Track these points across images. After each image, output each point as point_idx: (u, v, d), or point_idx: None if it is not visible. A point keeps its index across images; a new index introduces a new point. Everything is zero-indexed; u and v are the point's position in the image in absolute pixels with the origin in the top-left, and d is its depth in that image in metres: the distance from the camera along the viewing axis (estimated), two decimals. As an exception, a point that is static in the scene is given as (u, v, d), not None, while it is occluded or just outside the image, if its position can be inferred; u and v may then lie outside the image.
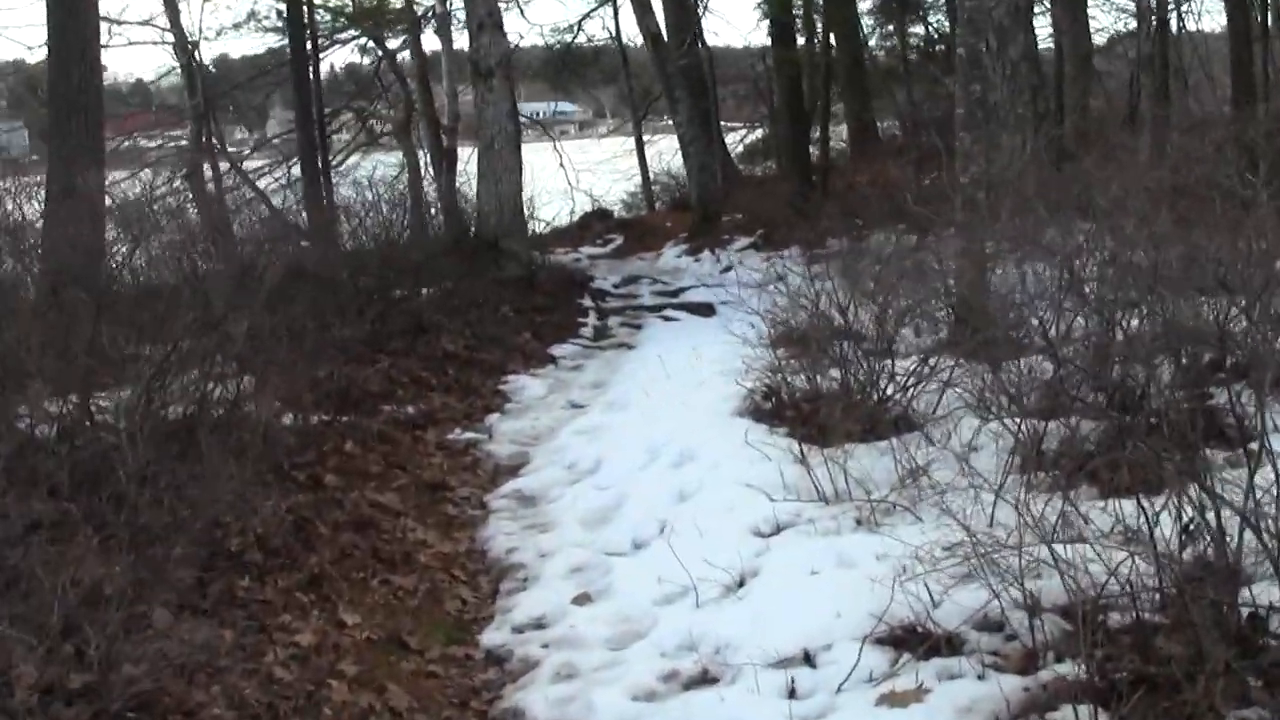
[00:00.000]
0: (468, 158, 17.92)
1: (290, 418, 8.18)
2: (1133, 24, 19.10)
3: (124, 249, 10.99)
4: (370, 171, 18.18)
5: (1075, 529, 5.22)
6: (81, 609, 4.80)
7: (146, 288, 9.83)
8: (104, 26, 16.76)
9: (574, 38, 27.89)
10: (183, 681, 4.62)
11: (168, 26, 20.19)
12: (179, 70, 20.58)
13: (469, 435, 9.06)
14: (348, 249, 13.43)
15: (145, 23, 20.95)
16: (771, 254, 17.36)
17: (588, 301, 14.99)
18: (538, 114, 30.07)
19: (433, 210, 17.68)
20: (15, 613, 4.62)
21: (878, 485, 6.66)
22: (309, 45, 17.75)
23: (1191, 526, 4.65)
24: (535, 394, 10.38)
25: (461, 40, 18.98)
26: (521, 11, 28.84)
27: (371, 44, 22.79)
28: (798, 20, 21.69)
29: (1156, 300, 7.11)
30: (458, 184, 18.62)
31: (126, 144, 21.13)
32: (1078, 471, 6.05)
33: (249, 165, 22.61)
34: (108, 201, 12.72)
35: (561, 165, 25.88)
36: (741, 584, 5.87)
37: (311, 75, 17.63)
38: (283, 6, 18.34)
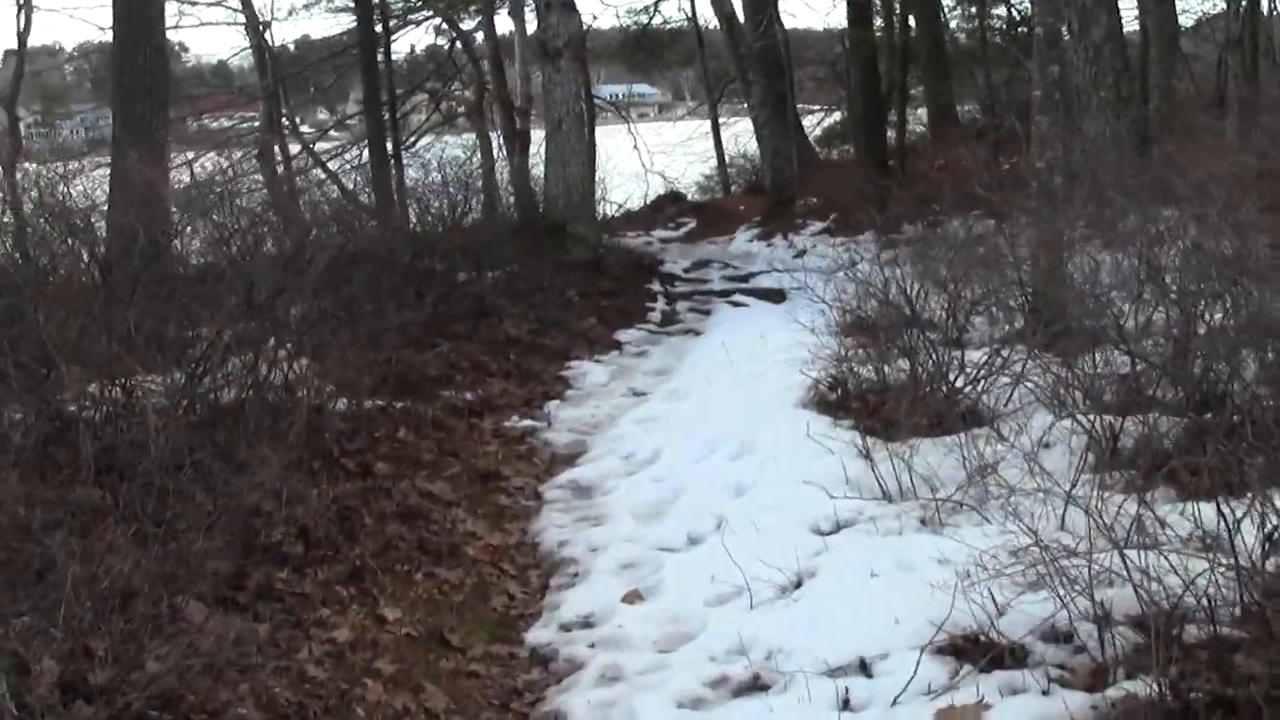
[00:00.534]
0: (540, 140, 17.71)
1: (343, 403, 8.02)
2: (1221, 4, 18.53)
3: (185, 229, 11.00)
4: (440, 153, 18.05)
5: (1150, 535, 4.91)
6: (109, 602, 4.66)
7: (204, 269, 9.76)
8: (175, 7, 16.83)
9: (650, 19, 27.71)
10: (209, 679, 4.44)
11: (239, 7, 20.19)
12: (250, 50, 20.52)
13: (527, 423, 8.85)
14: (414, 230, 13.31)
15: (216, 3, 20.96)
16: (845, 239, 16.99)
17: (656, 286, 14.75)
18: (616, 96, 29.81)
19: (504, 192, 17.53)
20: (40, 605, 4.47)
21: (944, 483, 6.39)
22: (379, 27, 17.66)
23: (1276, 535, 4.36)
24: (597, 381, 10.16)
25: (534, 23, 18.81)
26: (595, -9, 28.68)
27: (445, 25, 22.68)
28: (876, 1, 21.32)
29: (1241, 292, 6.79)
30: (529, 167, 18.41)
31: (195, 125, 21.22)
32: (1155, 473, 5.73)
33: (325, 146, 22.59)
34: (173, 183, 12.74)
35: (636, 147, 25.63)
36: (798, 585, 5.62)
37: (382, 56, 17.55)
38: (352, -13, 18.25)
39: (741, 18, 21.75)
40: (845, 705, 4.56)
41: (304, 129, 24.04)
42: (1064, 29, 10.11)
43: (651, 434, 8.32)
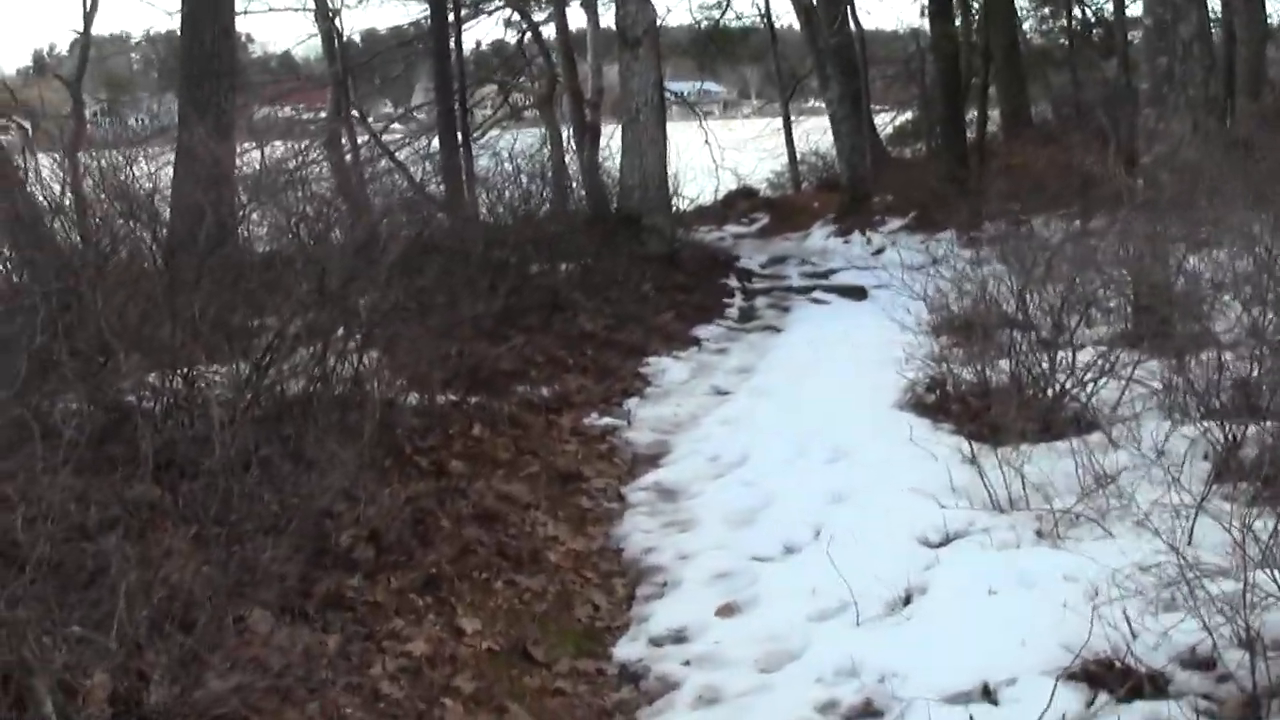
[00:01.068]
0: (611, 134, 17.43)
1: (415, 397, 7.65)
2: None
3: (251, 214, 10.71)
4: (511, 144, 17.71)
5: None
6: (167, 611, 4.30)
7: (271, 255, 9.45)
8: (245, -7, 16.60)
9: (722, 13, 27.40)
10: (276, 698, 4.07)
11: (310, -8, 19.88)
12: (319, 38, 20.20)
13: (606, 420, 8.45)
14: (487, 221, 12.97)
15: (286, -13, 20.64)
16: (926, 236, 16.56)
17: (733, 281, 14.31)
18: (684, 94, 29.44)
19: (573, 185, 17.14)
20: (92, 614, 4.10)
21: (1058, 492, 5.96)
22: (450, 16, 17.35)
23: None
24: (677, 378, 9.74)
25: (607, 16, 18.52)
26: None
27: (516, 17, 22.36)
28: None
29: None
30: (601, 160, 18.06)
31: (264, 113, 20.96)
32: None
33: (391, 138, 22.31)
34: (240, 168, 12.44)
35: (706, 142, 25.25)
36: (908, 601, 5.19)
37: (453, 47, 17.24)
38: (423, -23, 17.96)
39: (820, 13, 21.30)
40: (972, 737, 4.14)
41: (370, 120, 23.75)
42: (1169, 17, 9.56)
43: (738, 434, 7.90)
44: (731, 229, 20.37)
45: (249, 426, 6.10)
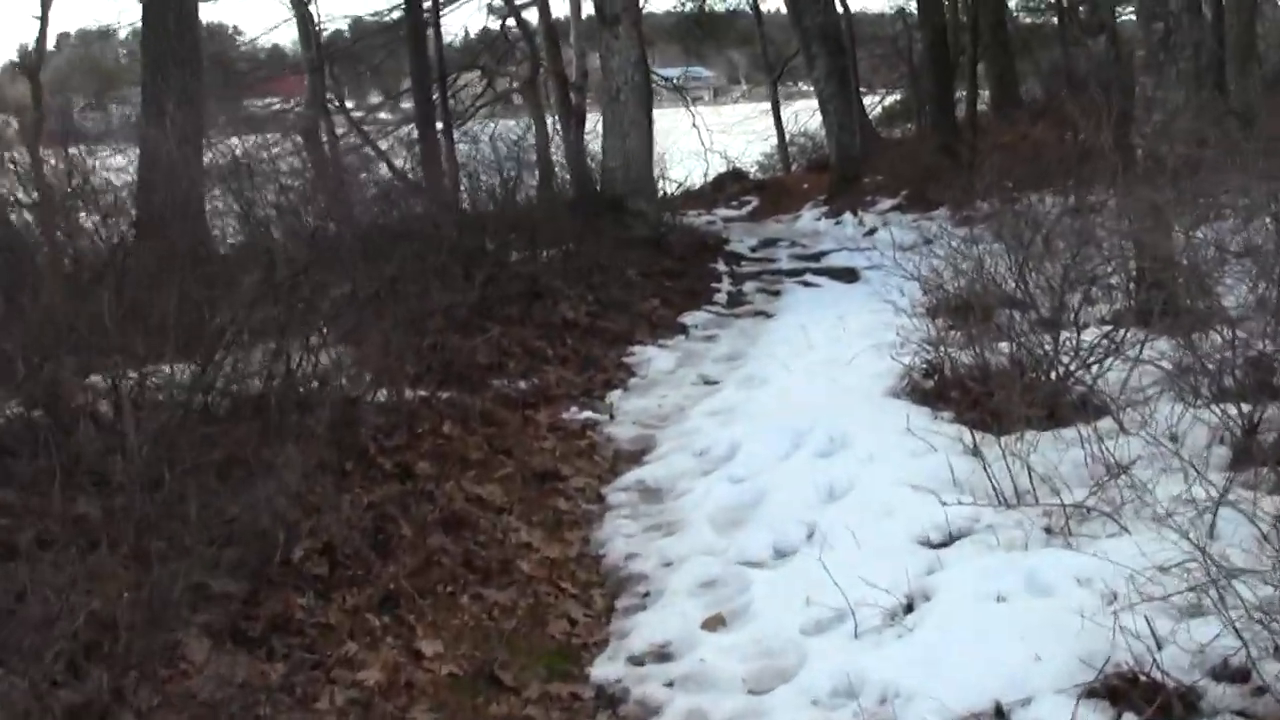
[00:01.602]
0: (597, 118, 17.02)
1: (383, 393, 7.19)
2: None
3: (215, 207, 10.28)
4: (492, 129, 17.28)
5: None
6: (97, 639, 3.86)
7: (239, 248, 9.02)
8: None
9: (706, -4, 27.16)
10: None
11: (282, -25, 19.45)
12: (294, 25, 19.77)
13: (587, 414, 7.98)
14: (465, 208, 12.52)
15: (257, -30, 20.14)
16: (918, 216, 16.15)
17: (721, 265, 13.83)
18: (673, 80, 29.07)
19: (558, 170, 16.70)
20: (15, 646, 3.65)
21: (1067, 484, 5.54)
22: (428, 2, 16.97)
23: None
24: (663, 367, 9.26)
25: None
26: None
27: (499, 1, 21.95)
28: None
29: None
30: (586, 144, 17.65)
31: (247, 108, 20.52)
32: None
33: (376, 126, 21.89)
34: (212, 162, 11.99)
35: (695, 125, 24.84)
36: (909, 609, 4.74)
37: (431, 34, 16.87)
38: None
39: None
40: (986, 766, 3.71)
41: (353, 108, 23.30)
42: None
43: (727, 427, 7.40)
44: (721, 212, 19.92)
45: (196, 429, 5.70)
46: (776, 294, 12.59)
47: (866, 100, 26.12)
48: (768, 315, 11.45)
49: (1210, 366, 6.30)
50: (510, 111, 23.03)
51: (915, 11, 22.31)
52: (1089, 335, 7.04)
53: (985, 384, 6.92)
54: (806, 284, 13.03)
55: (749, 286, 12.91)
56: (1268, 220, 7.42)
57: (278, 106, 21.89)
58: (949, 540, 5.25)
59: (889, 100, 29.01)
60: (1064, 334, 7.06)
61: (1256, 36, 18.54)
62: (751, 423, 7.32)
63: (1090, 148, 16.15)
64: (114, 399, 5.47)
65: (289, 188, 10.48)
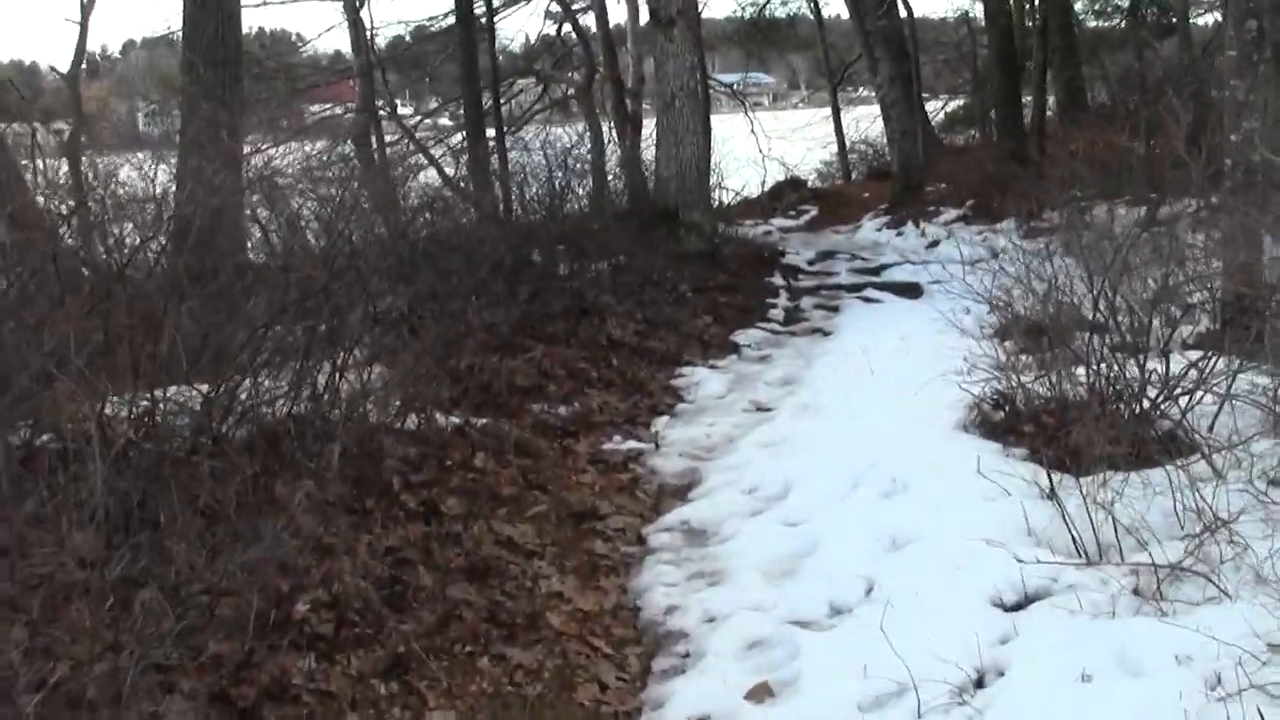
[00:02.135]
0: (653, 126, 16.57)
1: (413, 420, 6.74)
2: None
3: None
4: (544, 136, 16.85)
5: None
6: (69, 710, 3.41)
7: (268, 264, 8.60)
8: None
9: (766, 0, 26.67)
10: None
11: (335, -20, 19.14)
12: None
13: (630, 444, 7.48)
14: (512, 218, 12.09)
15: (309, -25, 19.88)
16: (984, 227, 15.57)
17: (778, 279, 13.29)
18: (734, 86, 28.65)
19: (612, 178, 16.22)
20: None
21: (1156, 535, 4.97)
22: (483, 6, 16.60)
23: None
24: (713, 391, 8.75)
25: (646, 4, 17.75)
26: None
27: (556, 6, 21.52)
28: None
29: None
30: (642, 151, 17.20)
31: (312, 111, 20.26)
32: None
33: (428, 133, 21.52)
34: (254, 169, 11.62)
35: (753, 132, 24.34)
36: (980, 684, 4.21)
37: (486, 38, 16.49)
38: (452, -36, 17.11)
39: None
40: None
41: (406, 112, 22.95)
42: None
43: (779, 461, 6.87)
44: (778, 222, 19.41)
45: (203, 462, 5.25)
46: (835, 310, 12.06)
47: (928, 106, 25.62)
48: (825, 334, 10.92)
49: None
50: (565, 118, 22.62)
51: (979, 16, 21.82)
52: (1175, 363, 6.47)
53: (1061, 417, 6.37)
54: (867, 300, 12.49)
55: (806, 302, 12.39)
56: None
57: (330, 112, 21.56)
58: (1025, 602, 4.70)
59: (951, 106, 28.43)
60: (1146, 361, 6.51)
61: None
62: (806, 457, 6.79)
63: (1165, 156, 15.59)
64: (99, 428, 4.99)
65: (328, 198, 10.05)
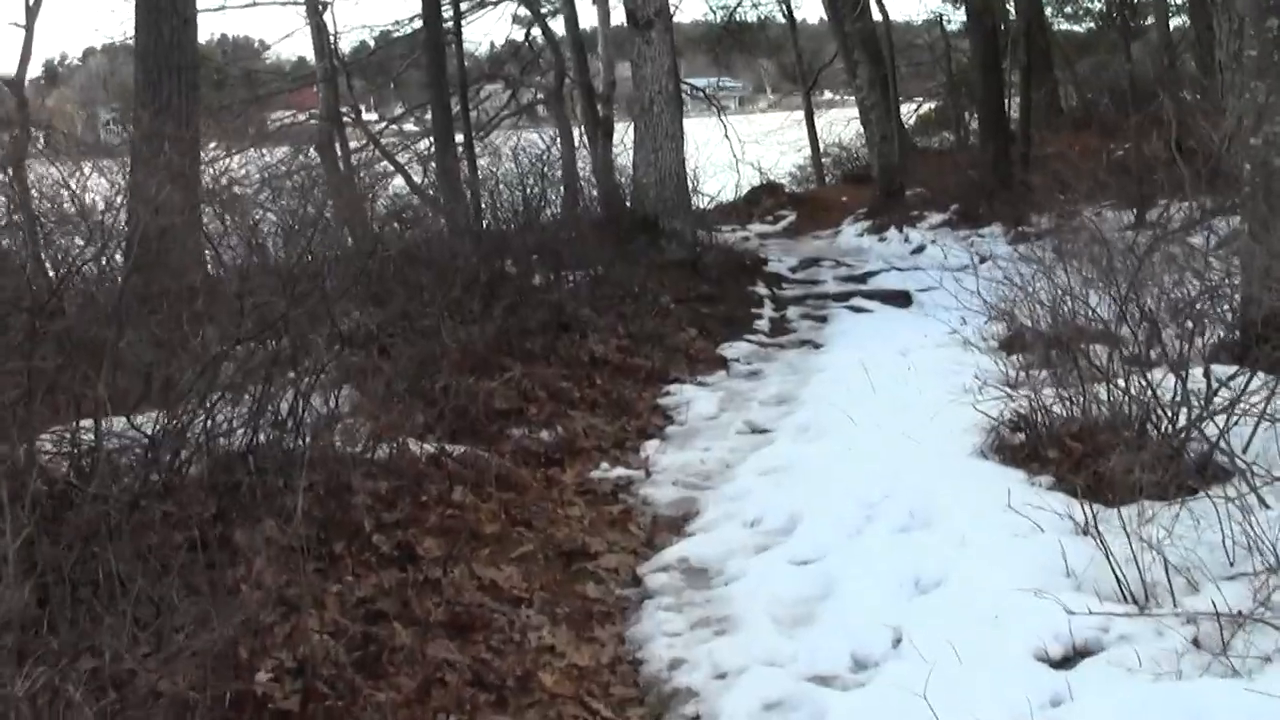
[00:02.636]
0: (625, 130, 16.18)
1: (384, 450, 6.20)
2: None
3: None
4: (515, 142, 16.34)
5: None
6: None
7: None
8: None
9: (737, 4, 26.40)
10: None
11: (295, -17, 18.56)
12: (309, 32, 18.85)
13: (619, 472, 6.94)
14: (485, 228, 11.55)
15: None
16: (969, 232, 15.15)
17: (761, 289, 12.79)
18: (701, 91, 28.25)
19: (585, 185, 15.70)
20: None
21: (1208, 573, 4.48)
22: (449, 11, 16.12)
23: None
24: (704, 411, 8.20)
25: (617, 9, 17.46)
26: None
27: (524, 10, 21.04)
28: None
29: None
30: (614, 158, 16.72)
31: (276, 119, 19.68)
32: None
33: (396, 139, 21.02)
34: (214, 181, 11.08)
35: (726, 136, 23.90)
36: (1032, 759, 3.72)
37: (452, 42, 16.02)
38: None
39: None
40: None
41: (371, 118, 22.40)
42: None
43: (782, 490, 6.32)
44: (756, 228, 18.92)
45: (152, 506, 4.73)
46: (823, 320, 11.57)
47: (902, 110, 25.32)
48: (816, 346, 10.41)
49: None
50: (534, 124, 22.15)
51: (953, 19, 21.53)
52: (1194, 379, 6.00)
53: (1089, 441, 5.89)
54: (856, 309, 12.00)
55: (793, 312, 11.89)
56: None
57: (293, 119, 20.98)
58: (1074, 655, 4.21)
59: (924, 109, 28.09)
60: (1161, 375, 6.06)
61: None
62: (811, 486, 6.24)
63: (1151, 158, 15.24)
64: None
65: (289, 209, 9.53)
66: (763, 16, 28.30)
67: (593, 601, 5.26)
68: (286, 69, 25.77)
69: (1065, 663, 4.19)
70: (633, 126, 13.91)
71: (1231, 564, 4.58)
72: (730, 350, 9.99)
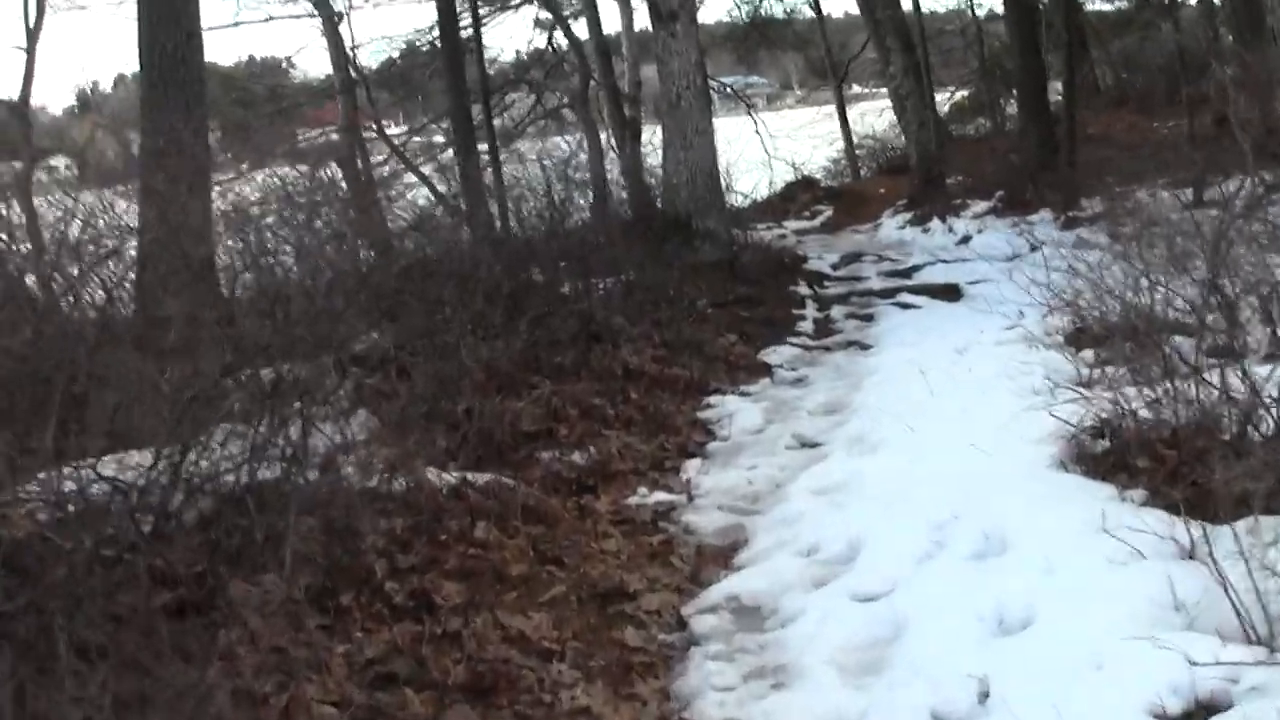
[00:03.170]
0: (652, 132, 15.88)
1: (400, 482, 5.64)
2: None
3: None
4: (540, 147, 15.84)
5: None
6: None
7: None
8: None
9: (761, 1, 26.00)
10: None
11: (311, -7, 18.09)
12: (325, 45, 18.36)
13: (659, 496, 6.32)
14: (509, 235, 11.04)
15: (281, -12, 18.79)
16: (1017, 219, 14.50)
17: (803, 288, 12.16)
18: (729, 88, 27.78)
19: (613, 189, 15.15)
20: None
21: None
22: (468, 13, 15.65)
23: None
24: (748, 424, 7.57)
25: (641, 10, 16.98)
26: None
27: (546, 14, 20.53)
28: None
29: None
30: (643, 159, 16.22)
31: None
32: None
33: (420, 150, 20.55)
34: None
35: (757, 131, 23.33)
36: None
37: (476, 49, 15.63)
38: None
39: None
40: None
41: (396, 131, 21.91)
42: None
43: (840, 513, 5.68)
44: (792, 224, 18.32)
45: (138, 558, 4.21)
46: (870, 319, 10.94)
47: (936, 97, 24.87)
48: (864, 347, 9.77)
49: None
50: (561, 128, 21.67)
51: (983, 3, 21.02)
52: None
53: (1184, 448, 5.26)
54: (903, 305, 11.36)
55: (837, 311, 11.26)
56: None
57: (322, 136, 20.55)
58: (1197, 712, 3.58)
59: (957, 96, 27.58)
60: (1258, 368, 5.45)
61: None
62: (871, 507, 5.61)
63: (1204, 136, 14.65)
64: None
65: (301, 225, 9.01)
66: (789, 10, 28.04)
67: (632, 651, 4.64)
68: (314, 85, 25.41)
69: (1189, 721, 3.57)
70: (660, 126, 13.34)
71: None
72: (773, 355, 9.37)
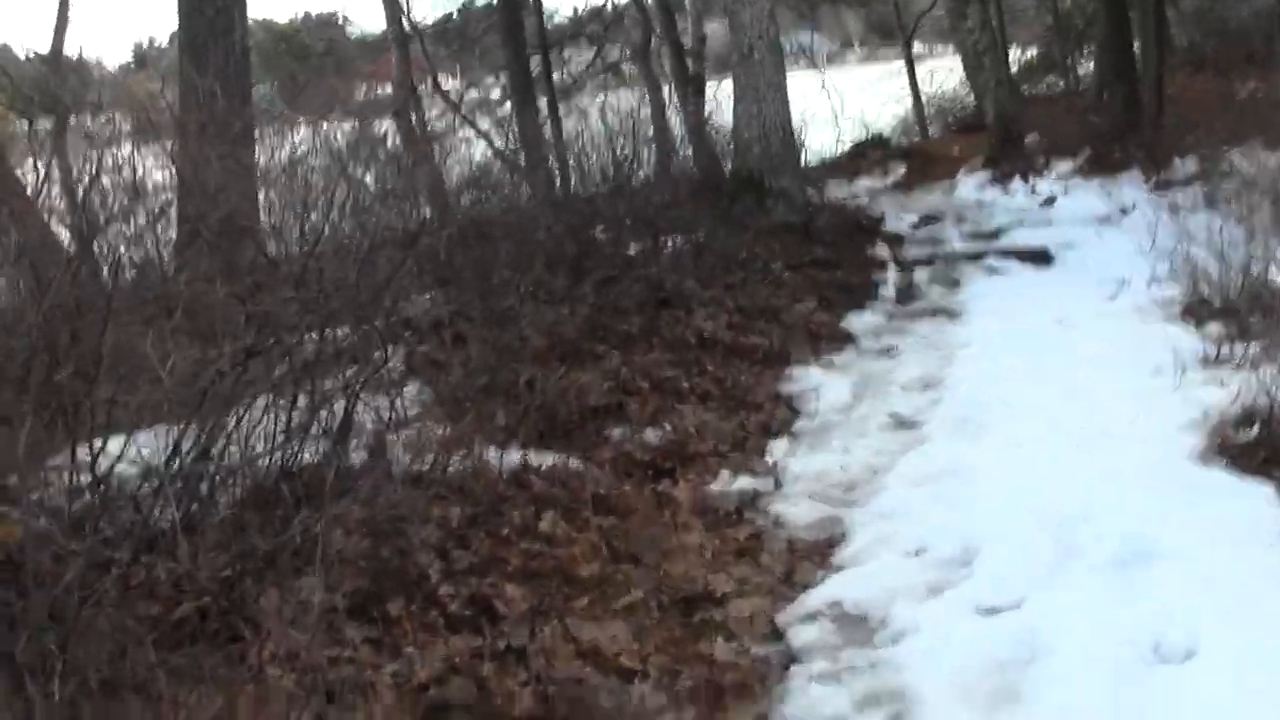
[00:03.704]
0: (716, 87, 15.52)
1: (455, 463, 5.07)
2: None
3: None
4: (602, 101, 15.22)
5: None
6: None
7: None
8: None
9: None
10: None
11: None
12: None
13: (743, 482, 5.67)
14: (570, 194, 10.44)
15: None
16: (1105, 180, 13.74)
17: (882, 251, 11.42)
18: (796, 42, 27.12)
19: (677, 146, 14.48)
20: None
21: None
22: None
23: None
24: (836, 400, 6.90)
25: None
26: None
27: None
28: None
29: None
30: (706, 115, 15.59)
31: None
32: None
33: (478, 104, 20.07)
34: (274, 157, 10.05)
35: (824, 87, 22.54)
36: None
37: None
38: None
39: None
40: None
41: (452, 85, 21.38)
42: None
43: (947, 506, 5.03)
44: (864, 183, 17.55)
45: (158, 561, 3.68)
46: (955, 284, 10.21)
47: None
48: (952, 315, 9.04)
49: None
50: (621, 84, 21.08)
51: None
52: None
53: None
54: (990, 270, 10.62)
55: (920, 276, 10.53)
56: None
57: (378, 92, 20.13)
58: None
59: (1028, 55, 26.77)
60: None
61: None
62: (982, 500, 4.96)
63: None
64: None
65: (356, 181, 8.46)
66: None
67: (723, 668, 4.01)
68: (368, 40, 24.93)
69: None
70: (730, 79, 12.64)
71: None
72: (855, 323, 8.69)
